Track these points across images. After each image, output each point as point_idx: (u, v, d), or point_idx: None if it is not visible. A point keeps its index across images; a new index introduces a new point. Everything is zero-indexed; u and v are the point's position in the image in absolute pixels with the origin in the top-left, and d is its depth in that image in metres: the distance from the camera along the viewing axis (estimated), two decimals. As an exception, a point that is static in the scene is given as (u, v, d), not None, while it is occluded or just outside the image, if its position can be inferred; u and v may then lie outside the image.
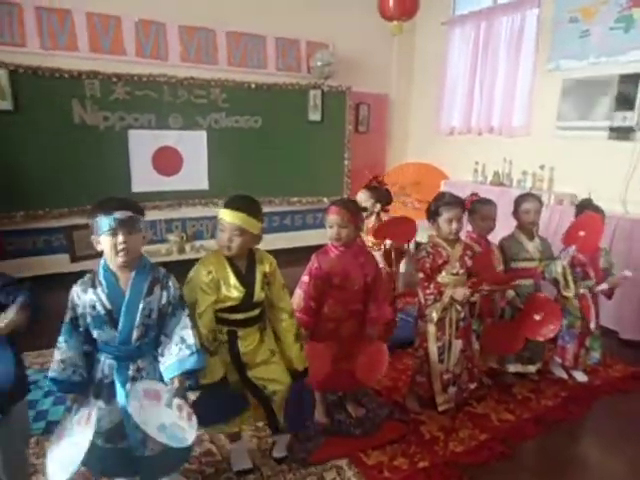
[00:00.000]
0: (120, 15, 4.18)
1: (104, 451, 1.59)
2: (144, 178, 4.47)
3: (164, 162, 4.57)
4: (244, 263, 1.79)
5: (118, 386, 1.53)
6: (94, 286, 1.54)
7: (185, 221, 4.79)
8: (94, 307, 1.53)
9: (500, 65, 4.70)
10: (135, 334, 1.55)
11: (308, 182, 5.21)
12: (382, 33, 5.13)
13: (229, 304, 1.75)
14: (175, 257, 4.60)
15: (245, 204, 1.74)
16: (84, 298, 1.53)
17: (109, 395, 1.56)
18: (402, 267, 4.94)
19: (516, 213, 2.65)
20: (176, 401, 1.52)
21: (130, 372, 1.56)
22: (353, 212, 2.04)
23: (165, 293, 1.60)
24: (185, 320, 1.61)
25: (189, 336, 1.58)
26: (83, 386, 1.56)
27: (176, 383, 1.54)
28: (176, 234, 4.70)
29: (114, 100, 4.22)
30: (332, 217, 2.03)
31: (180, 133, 4.57)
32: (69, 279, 4.27)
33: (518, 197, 2.70)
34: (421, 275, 2.30)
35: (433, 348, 2.33)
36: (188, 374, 1.57)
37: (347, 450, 2.06)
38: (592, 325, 2.65)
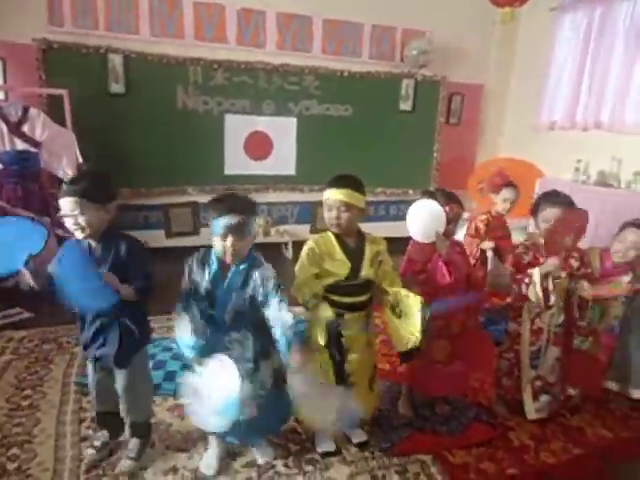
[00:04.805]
0: (224, 4, 4.34)
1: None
2: (236, 161, 4.64)
3: (255, 147, 4.71)
4: (353, 241, 1.86)
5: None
6: (205, 265, 1.68)
7: (271, 205, 4.91)
8: (200, 284, 1.67)
9: (615, 55, 4.32)
10: (227, 317, 1.67)
11: (394, 173, 5.14)
12: (481, 20, 4.92)
13: (334, 279, 1.81)
14: (260, 240, 4.75)
15: (347, 181, 1.82)
16: (196, 272, 1.67)
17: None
18: (488, 265, 4.78)
19: None
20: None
21: (225, 342, 1.67)
22: (462, 205, 2.01)
23: (253, 283, 1.67)
24: (281, 305, 1.65)
25: (286, 319, 1.63)
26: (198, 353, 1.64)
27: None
28: (262, 217, 4.84)
29: (213, 86, 4.41)
30: (451, 213, 1.99)
31: (272, 119, 4.69)
32: (164, 253, 4.55)
33: None
34: (512, 269, 2.19)
35: (526, 351, 2.22)
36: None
37: (431, 446, 2.03)
38: None
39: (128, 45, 4.07)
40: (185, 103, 4.35)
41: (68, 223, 1.58)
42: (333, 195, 1.80)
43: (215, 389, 1.53)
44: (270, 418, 1.78)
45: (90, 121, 3.91)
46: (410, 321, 1.73)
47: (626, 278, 2.28)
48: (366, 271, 1.83)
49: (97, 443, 1.88)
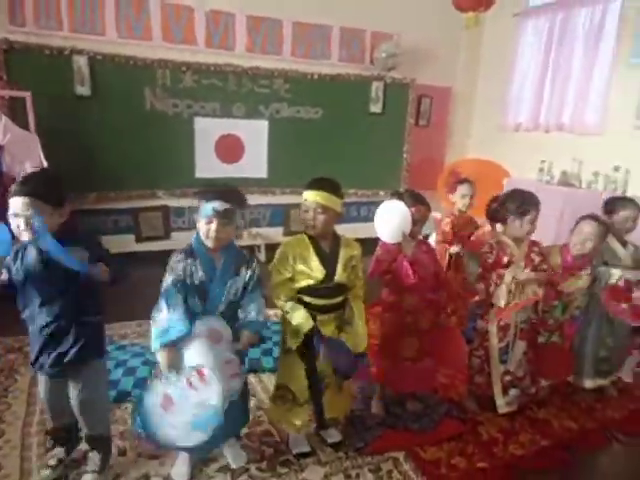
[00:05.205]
0: (192, 6, 4.30)
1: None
2: (207, 164, 4.59)
3: (226, 149, 4.68)
4: (328, 244, 1.88)
5: None
6: (192, 257, 1.68)
7: (243, 208, 4.88)
8: (191, 276, 1.66)
9: (575, 59, 4.48)
10: (220, 308, 1.69)
11: (365, 174, 5.18)
12: (449, 24, 5.01)
13: (309, 283, 1.82)
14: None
15: (325, 184, 1.85)
16: (183, 266, 1.66)
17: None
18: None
19: (609, 219, 2.45)
20: (228, 355, 1.62)
21: None
22: (429, 206, 2.05)
23: (249, 272, 1.75)
24: (260, 298, 1.77)
25: (262, 309, 1.75)
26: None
27: (245, 334, 1.69)
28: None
29: (182, 88, 4.35)
30: (417, 214, 2.03)
31: (242, 122, 4.66)
32: (134, 258, 4.48)
33: (613, 201, 2.52)
34: (480, 270, 2.26)
35: (495, 348, 2.28)
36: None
37: (404, 444, 2.06)
38: None
39: (94, 46, 3.98)
40: (154, 106, 4.29)
41: (15, 223, 1.49)
42: (310, 197, 1.82)
43: (193, 401, 1.52)
44: (231, 424, 1.77)
45: (55, 124, 3.80)
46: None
47: (585, 272, 2.37)
48: (339, 276, 1.85)
49: (52, 462, 1.80)
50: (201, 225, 1.66)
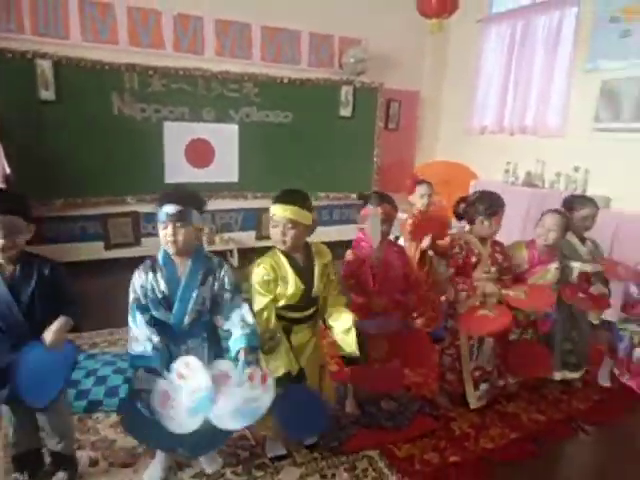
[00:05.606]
0: (160, 9, 4.26)
1: (149, 420, 1.65)
2: (177, 169, 4.53)
3: (196, 154, 4.63)
4: (301, 257, 1.85)
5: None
6: (154, 270, 1.65)
7: (214, 213, 4.84)
8: (153, 290, 1.63)
9: (536, 64, 4.64)
10: (187, 319, 1.65)
11: (336, 178, 5.22)
12: (415, 30, 5.11)
13: (288, 302, 1.79)
14: (205, 248, 4.67)
15: (294, 197, 1.79)
16: (144, 280, 1.63)
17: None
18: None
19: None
20: (247, 371, 1.59)
21: (181, 351, 1.65)
22: (395, 206, 2.09)
23: (217, 282, 1.70)
24: (243, 304, 1.71)
25: (249, 317, 1.69)
26: (161, 357, 1.61)
27: (242, 354, 1.62)
28: (205, 226, 4.77)
29: (151, 92, 4.29)
30: (383, 215, 2.05)
31: (212, 126, 4.63)
32: (103, 266, 4.40)
33: (573, 199, 2.61)
34: (451, 271, 2.31)
35: (465, 346, 2.33)
36: (253, 349, 1.67)
37: (378, 441, 2.09)
38: None
39: (58, 50, 3.89)
40: (121, 110, 4.21)
41: None
42: (279, 212, 1.75)
43: (186, 390, 1.54)
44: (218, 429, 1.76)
45: (18, 130, 3.70)
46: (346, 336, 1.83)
47: (554, 265, 2.46)
48: (317, 288, 1.84)
49: None
50: (160, 232, 1.65)
